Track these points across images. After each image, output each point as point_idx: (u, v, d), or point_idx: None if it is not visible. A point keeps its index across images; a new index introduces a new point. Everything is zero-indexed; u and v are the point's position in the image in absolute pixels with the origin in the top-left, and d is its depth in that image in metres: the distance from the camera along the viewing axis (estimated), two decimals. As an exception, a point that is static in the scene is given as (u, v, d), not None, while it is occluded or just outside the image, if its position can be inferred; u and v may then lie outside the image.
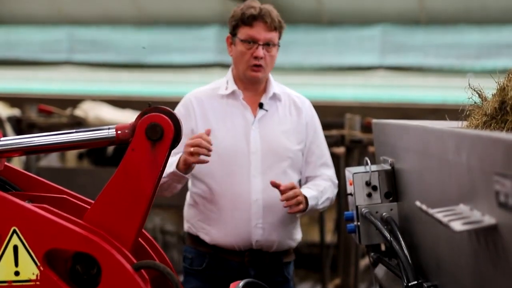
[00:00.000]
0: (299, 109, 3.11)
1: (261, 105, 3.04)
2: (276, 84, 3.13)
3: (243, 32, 2.97)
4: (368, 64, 11.18)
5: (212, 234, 2.99)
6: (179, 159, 2.81)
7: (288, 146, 3.03)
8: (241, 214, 2.95)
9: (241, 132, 3.00)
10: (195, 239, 3.06)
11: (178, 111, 3.03)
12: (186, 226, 3.11)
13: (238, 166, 2.96)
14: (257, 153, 2.98)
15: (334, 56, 11.28)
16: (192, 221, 3.07)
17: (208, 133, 2.80)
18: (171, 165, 2.83)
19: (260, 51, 2.95)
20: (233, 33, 3.03)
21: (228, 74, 3.09)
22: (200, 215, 3.02)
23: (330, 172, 3.14)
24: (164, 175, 2.83)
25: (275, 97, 3.08)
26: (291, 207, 2.86)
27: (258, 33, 2.95)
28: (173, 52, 12.18)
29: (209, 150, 2.73)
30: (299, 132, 3.08)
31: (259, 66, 2.97)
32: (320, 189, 3.01)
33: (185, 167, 2.80)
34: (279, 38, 3.04)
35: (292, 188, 2.86)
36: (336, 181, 3.16)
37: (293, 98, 3.14)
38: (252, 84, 3.05)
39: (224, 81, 3.08)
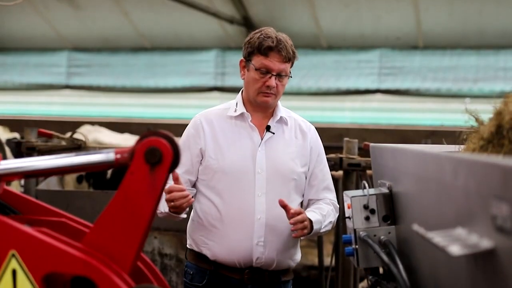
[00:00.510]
0: (305, 134, 3.20)
1: (268, 128, 3.13)
2: (283, 109, 3.22)
3: (258, 61, 3.05)
4: (366, 88, 11.22)
5: (214, 249, 3.06)
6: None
7: (293, 168, 3.10)
8: (243, 231, 3.03)
9: (247, 153, 3.07)
10: (197, 255, 3.12)
11: (188, 131, 3.15)
12: (189, 242, 3.17)
13: (244, 185, 3.04)
14: (262, 174, 3.05)
15: (333, 79, 11.33)
16: (194, 236, 3.14)
17: (176, 177, 2.86)
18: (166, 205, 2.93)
19: (273, 81, 3.03)
20: (248, 58, 3.10)
21: (238, 97, 3.19)
22: (203, 231, 3.09)
23: (332, 196, 3.24)
24: (161, 209, 2.94)
25: (281, 120, 3.17)
26: (297, 231, 2.93)
27: (273, 64, 3.03)
28: (172, 76, 12.23)
29: (186, 197, 2.85)
30: (304, 155, 3.16)
31: (270, 93, 3.06)
32: (323, 213, 3.09)
33: (176, 214, 2.95)
34: (292, 66, 3.12)
35: (300, 213, 2.93)
36: (338, 205, 3.24)
37: (299, 123, 3.23)
38: (261, 108, 3.13)
39: (234, 103, 3.17)
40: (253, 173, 3.04)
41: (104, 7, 11.68)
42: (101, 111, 12.43)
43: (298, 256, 3.19)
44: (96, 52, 12.68)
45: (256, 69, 3.04)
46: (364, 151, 5.09)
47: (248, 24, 10.94)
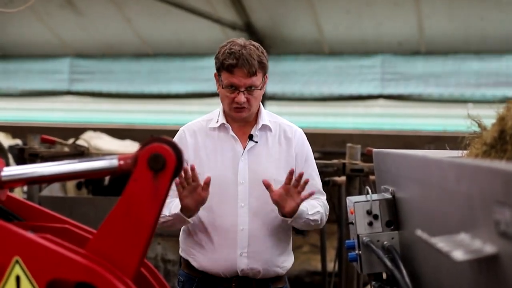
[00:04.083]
0: (289, 140, 3.15)
1: (251, 137, 3.10)
2: (267, 114, 3.18)
3: (225, 78, 3.03)
4: (369, 93, 11.23)
5: (200, 260, 3.07)
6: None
7: (276, 177, 3.04)
8: (227, 243, 3.02)
9: (229, 163, 3.06)
10: (187, 263, 3.14)
11: None
12: (180, 250, 3.19)
13: (226, 196, 3.02)
14: (244, 184, 3.03)
15: (335, 85, 11.34)
16: (184, 246, 3.16)
17: (192, 168, 2.88)
18: (177, 205, 2.95)
19: (241, 97, 3.00)
20: (218, 73, 3.09)
21: (221, 106, 3.17)
22: (191, 242, 3.10)
23: (322, 197, 3.20)
24: (168, 213, 2.95)
25: (265, 127, 3.13)
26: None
27: (239, 80, 2.99)
28: (175, 82, 12.24)
29: (191, 179, 2.86)
30: (288, 162, 3.11)
31: (242, 108, 3.03)
32: (309, 203, 3.03)
33: (187, 212, 2.94)
34: (265, 74, 3.06)
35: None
36: (328, 205, 3.21)
37: (284, 128, 3.17)
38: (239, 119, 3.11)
39: (217, 113, 3.17)
40: (235, 184, 3.03)
41: (106, 13, 11.70)
42: (104, 117, 12.45)
43: (288, 263, 3.15)
44: (98, 59, 12.70)
45: (224, 87, 3.03)
46: (367, 157, 5.09)
47: (250, 30, 10.96)
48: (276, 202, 2.93)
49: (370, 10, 10.49)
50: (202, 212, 3.03)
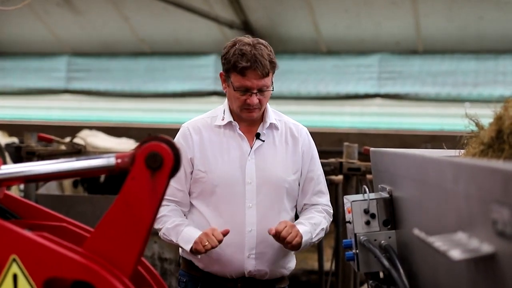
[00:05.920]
0: (296, 138, 3.12)
1: (258, 135, 3.06)
2: (273, 112, 3.14)
3: (236, 80, 2.95)
4: (366, 92, 11.23)
5: (205, 261, 3.02)
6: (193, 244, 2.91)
7: (283, 176, 3.04)
8: (235, 244, 2.97)
9: (236, 163, 3.01)
10: (189, 264, 3.09)
11: (177, 141, 3.05)
12: (181, 251, 3.12)
13: (234, 196, 2.98)
14: (252, 184, 2.99)
15: (332, 84, 11.33)
16: None
17: (225, 233, 2.88)
18: (187, 241, 2.92)
19: (254, 99, 2.95)
20: (227, 74, 3.01)
21: (225, 103, 3.11)
22: None
23: (325, 200, 3.17)
24: (175, 239, 2.95)
25: (271, 126, 3.09)
26: (289, 244, 2.91)
27: (251, 82, 2.93)
28: (171, 81, 12.23)
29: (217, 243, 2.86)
30: (295, 161, 3.09)
31: (254, 109, 2.99)
32: (312, 221, 3.03)
33: (197, 254, 2.94)
34: (274, 72, 3.02)
35: (283, 228, 2.91)
36: (331, 210, 3.19)
37: (290, 126, 3.15)
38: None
39: (221, 110, 3.10)
40: (243, 183, 2.98)
41: (104, 11, 11.69)
42: (101, 115, 12.43)
43: (292, 263, 3.15)
44: (95, 57, 12.68)
45: (235, 89, 2.95)
46: (364, 156, 5.10)
47: (248, 29, 10.94)
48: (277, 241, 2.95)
49: (368, 9, 10.49)
50: (208, 213, 3.00)
